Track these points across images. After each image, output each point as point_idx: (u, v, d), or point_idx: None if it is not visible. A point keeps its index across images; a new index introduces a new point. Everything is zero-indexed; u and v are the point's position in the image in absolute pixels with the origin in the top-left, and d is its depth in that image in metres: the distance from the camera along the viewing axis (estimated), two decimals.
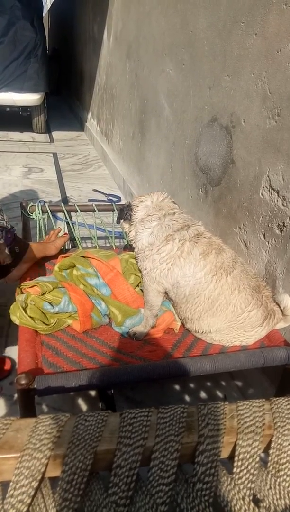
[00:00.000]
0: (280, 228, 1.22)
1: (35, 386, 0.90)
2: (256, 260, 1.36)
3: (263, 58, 1.25)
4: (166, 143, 2.19)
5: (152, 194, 1.24)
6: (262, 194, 1.30)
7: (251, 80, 1.33)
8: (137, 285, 1.27)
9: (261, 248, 1.33)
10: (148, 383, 1.37)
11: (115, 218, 1.92)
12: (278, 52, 1.18)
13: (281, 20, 1.15)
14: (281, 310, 1.17)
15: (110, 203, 2.54)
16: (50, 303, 1.14)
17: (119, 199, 3.04)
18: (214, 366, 1.01)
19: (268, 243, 1.29)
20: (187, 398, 1.36)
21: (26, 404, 0.92)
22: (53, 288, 1.17)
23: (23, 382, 0.89)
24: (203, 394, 1.37)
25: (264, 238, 1.31)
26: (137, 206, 1.21)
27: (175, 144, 2.07)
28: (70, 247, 1.74)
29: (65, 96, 7.78)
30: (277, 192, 1.22)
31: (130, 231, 1.22)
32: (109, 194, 3.10)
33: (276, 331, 1.19)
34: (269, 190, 1.27)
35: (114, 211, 1.90)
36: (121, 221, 1.24)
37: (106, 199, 3.01)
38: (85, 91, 5.20)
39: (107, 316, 1.20)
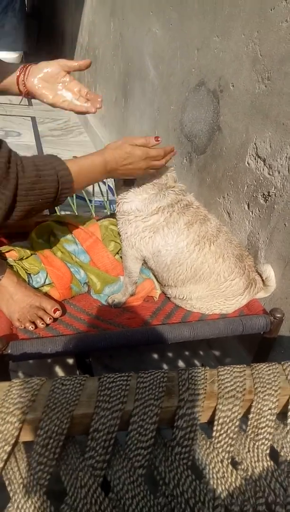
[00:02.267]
0: (265, 198, 1.20)
1: (9, 351, 0.87)
2: (239, 230, 1.34)
3: (255, 16, 1.19)
4: (151, 109, 2.11)
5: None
6: (248, 163, 1.27)
7: (241, 41, 1.26)
8: (117, 253, 1.24)
9: (245, 219, 1.31)
10: (126, 351, 1.37)
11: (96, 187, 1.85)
12: (271, 10, 1.12)
13: None
14: (263, 281, 1.17)
15: None
16: (28, 273, 1.10)
17: None
18: (193, 333, 1.00)
19: (252, 213, 1.27)
20: (165, 366, 1.36)
21: (0, 370, 0.89)
22: (31, 254, 1.12)
23: None
24: (181, 363, 1.38)
25: (248, 208, 1.29)
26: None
27: (159, 110, 1.99)
28: (48, 213, 1.68)
29: (45, 58, 7.39)
30: (263, 161, 1.19)
31: (120, 188, 1.14)
32: None
33: (256, 300, 1.19)
34: (255, 159, 1.24)
35: None
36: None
37: None
38: (66, 52, 4.94)
39: (86, 284, 1.16)
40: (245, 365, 0.66)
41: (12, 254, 1.09)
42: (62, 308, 1.04)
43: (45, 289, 1.11)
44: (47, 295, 1.09)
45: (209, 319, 1.11)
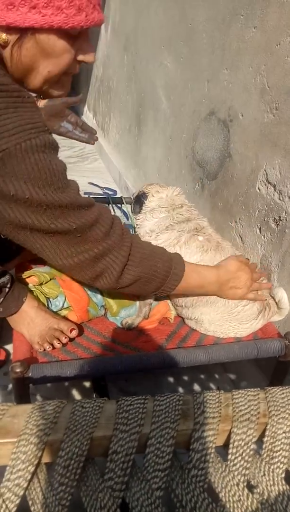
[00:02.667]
0: (276, 222, 1.23)
1: (30, 374, 0.90)
2: (251, 254, 1.36)
3: (262, 51, 1.25)
4: (163, 137, 2.18)
5: (168, 188, 1.30)
6: (258, 188, 1.31)
7: (249, 74, 1.32)
8: None
9: (257, 242, 1.33)
10: (142, 374, 1.38)
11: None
12: (277, 45, 1.17)
13: (281, 13, 1.15)
14: (276, 303, 1.18)
15: (105, 196, 2.53)
16: (47, 298, 1.14)
17: (115, 192, 3.03)
18: (208, 357, 1.02)
19: (264, 237, 1.29)
20: (180, 390, 1.37)
21: (21, 393, 0.92)
22: (50, 279, 1.16)
23: (18, 370, 0.89)
24: (196, 386, 1.38)
25: (260, 232, 1.31)
26: (153, 196, 1.27)
27: (172, 137, 2.06)
28: None
29: None
30: (274, 186, 1.23)
31: (138, 218, 1.28)
32: (105, 188, 3.09)
33: (270, 323, 1.20)
34: (265, 184, 1.27)
35: (110, 203, 1.90)
36: (133, 206, 1.30)
37: (101, 192, 3.00)
38: (82, 83, 5.15)
39: (103, 307, 1.20)
40: (259, 389, 0.68)
41: (32, 279, 1.13)
42: (79, 330, 1.08)
43: (64, 312, 1.14)
44: (65, 318, 1.12)
45: (224, 343, 1.12)
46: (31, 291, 1.12)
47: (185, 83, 1.85)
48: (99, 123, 4.01)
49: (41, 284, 1.14)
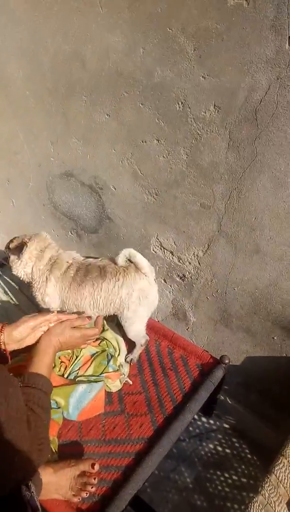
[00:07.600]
0: (181, 278, 1.49)
1: None
2: (161, 296, 1.62)
3: (124, 140, 1.31)
4: None
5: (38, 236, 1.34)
6: (154, 251, 1.51)
7: (113, 155, 1.38)
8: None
9: (164, 289, 1.59)
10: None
11: None
12: (143, 142, 1.26)
13: (139, 115, 1.22)
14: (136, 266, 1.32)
15: None
16: None
17: None
18: (191, 414, 1.33)
19: (171, 286, 1.56)
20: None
21: None
22: None
23: None
24: None
25: (165, 282, 1.56)
26: (33, 245, 1.31)
27: (10, 181, 1.90)
28: None
29: None
30: (171, 253, 1.45)
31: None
32: None
33: (204, 350, 1.56)
34: (161, 249, 1.48)
35: None
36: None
37: None
38: None
39: (61, 409, 1.28)
40: None
41: None
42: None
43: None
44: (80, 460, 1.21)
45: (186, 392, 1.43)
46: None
47: (14, 132, 1.68)
48: None
49: None
